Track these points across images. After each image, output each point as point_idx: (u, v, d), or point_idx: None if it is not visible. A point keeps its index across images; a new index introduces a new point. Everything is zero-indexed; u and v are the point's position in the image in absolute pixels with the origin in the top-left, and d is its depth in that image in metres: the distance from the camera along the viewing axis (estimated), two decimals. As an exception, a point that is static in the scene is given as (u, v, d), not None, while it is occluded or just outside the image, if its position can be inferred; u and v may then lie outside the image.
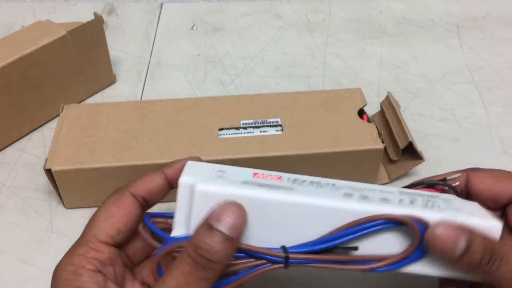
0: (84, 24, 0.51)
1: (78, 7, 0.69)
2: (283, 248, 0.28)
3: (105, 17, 0.58)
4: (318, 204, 0.29)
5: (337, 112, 0.46)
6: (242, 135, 0.44)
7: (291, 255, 0.28)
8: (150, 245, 0.30)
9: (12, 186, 0.47)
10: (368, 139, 0.44)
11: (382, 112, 0.48)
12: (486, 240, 0.28)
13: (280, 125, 0.45)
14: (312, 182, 0.31)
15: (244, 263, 0.28)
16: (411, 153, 0.45)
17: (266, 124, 0.45)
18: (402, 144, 0.44)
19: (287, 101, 0.47)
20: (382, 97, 0.48)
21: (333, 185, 0.31)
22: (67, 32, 0.50)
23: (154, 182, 0.32)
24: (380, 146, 0.43)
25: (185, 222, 0.29)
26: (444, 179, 0.33)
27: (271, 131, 0.45)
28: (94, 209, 0.44)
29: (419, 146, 0.44)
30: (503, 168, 0.33)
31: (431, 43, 0.64)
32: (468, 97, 0.56)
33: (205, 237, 0.26)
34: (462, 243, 0.27)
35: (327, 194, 0.30)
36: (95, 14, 0.52)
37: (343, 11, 0.70)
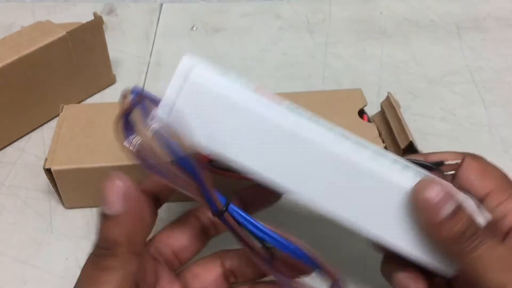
0: (83, 25, 0.51)
1: (78, 7, 0.69)
2: (226, 203, 0.28)
3: (104, 18, 0.57)
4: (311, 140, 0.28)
5: (337, 112, 0.46)
6: (242, 135, 0.44)
7: (226, 215, 0.27)
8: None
9: (11, 186, 0.47)
10: (369, 139, 0.43)
11: (382, 112, 0.48)
12: (473, 215, 0.27)
13: (280, 125, 0.45)
14: (310, 119, 0.30)
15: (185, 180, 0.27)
16: (411, 153, 0.44)
17: (266, 124, 0.45)
18: (402, 144, 0.44)
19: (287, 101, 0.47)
20: (383, 97, 0.48)
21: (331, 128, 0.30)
22: (67, 32, 0.49)
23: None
24: (381, 146, 0.43)
25: (171, 105, 0.28)
26: (442, 163, 0.31)
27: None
28: (93, 209, 0.44)
29: (420, 146, 0.44)
30: (503, 168, 0.33)
31: (432, 44, 0.64)
32: (468, 97, 0.56)
33: (99, 227, 0.25)
34: (450, 206, 0.26)
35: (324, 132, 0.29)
36: (94, 14, 0.52)
37: (343, 12, 0.70)
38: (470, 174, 0.30)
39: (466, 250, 0.26)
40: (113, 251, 0.24)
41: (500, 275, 0.26)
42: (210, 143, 0.28)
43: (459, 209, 0.26)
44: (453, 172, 0.31)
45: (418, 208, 0.27)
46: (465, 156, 0.31)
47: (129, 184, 0.26)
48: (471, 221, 0.27)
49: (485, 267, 0.26)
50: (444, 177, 0.32)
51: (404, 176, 0.28)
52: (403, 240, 0.29)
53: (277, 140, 0.28)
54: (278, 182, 0.29)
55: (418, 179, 0.28)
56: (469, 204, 0.28)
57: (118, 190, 0.25)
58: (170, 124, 0.27)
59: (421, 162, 0.31)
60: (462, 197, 0.28)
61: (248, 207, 0.31)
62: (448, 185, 0.28)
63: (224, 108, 0.28)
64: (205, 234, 0.32)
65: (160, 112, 0.28)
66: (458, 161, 0.31)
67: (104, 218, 0.25)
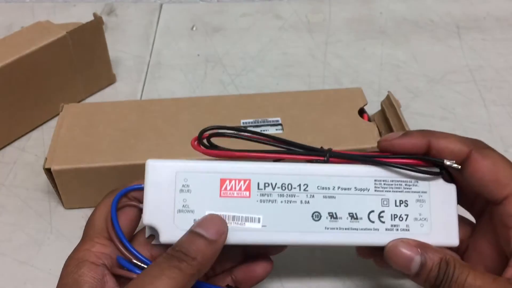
0: (83, 25, 0.51)
1: (78, 7, 0.69)
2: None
3: (104, 18, 0.57)
4: (282, 243, 0.32)
5: (338, 111, 0.46)
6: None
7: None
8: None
9: (11, 185, 0.47)
10: (369, 138, 0.43)
11: (382, 112, 0.48)
12: (443, 259, 0.29)
13: (280, 124, 0.45)
14: (283, 189, 0.31)
15: None
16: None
17: (266, 123, 0.45)
18: (402, 143, 0.44)
19: (287, 100, 0.47)
20: (383, 97, 0.48)
21: (305, 189, 0.31)
22: (67, 32, 0.50)
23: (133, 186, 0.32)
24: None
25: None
26: (442, 162, 0.31)
27: (271, 130, 0.45)
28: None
29: (420, 145, 0.44)
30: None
31: (432, 43, 0.64)
32: (468, 97, 0.56)
33: (185, 239, 0.28)
34: (416, 263, 0.29)
35: (293, 225, 0.31)
36: (94, 14, 0.52)
37: (343, 12, 0.70)
38: (483, 175, 0.30)
39: (447, 286, 0.29)
40: (191, 261, 0.27)
41: None
42: None
43: (425, 260, 0.29)
44: (458, 166, 0.31)
45: (394, 267, 0.31)
46: (471, 150, 0.30)
47: (227, 228, 0.30)
48: (440, 264, 0.29)
49: None
50: (448, 178, 0.32)
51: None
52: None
53: None
54: None
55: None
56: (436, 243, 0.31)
57: (223, 225, 0.29)
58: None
59: (419, 157, 0.32)
60: (429, 241, 0.31)
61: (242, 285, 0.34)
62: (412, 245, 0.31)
63: None
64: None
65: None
66: (458, 166, 0.31)
67: (198, 236, 0.28)
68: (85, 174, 0.41)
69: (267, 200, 0.31)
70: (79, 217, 0.44)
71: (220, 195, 0.31)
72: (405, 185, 0.32)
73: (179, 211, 0.30)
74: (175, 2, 0.71)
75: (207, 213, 0.30)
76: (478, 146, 0.31)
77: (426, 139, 0.31)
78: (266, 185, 0.31)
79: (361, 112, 0.46)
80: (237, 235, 0.30)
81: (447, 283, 0.29)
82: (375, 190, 0.32)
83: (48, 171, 0.41)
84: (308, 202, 0.31)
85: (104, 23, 0.53)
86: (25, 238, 0.43)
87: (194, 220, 0.30)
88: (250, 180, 0.31)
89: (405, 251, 0.30)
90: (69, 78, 0.52)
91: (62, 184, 0.42)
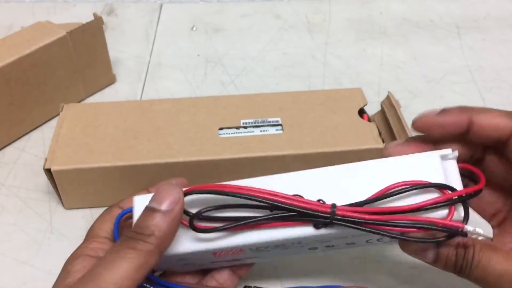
0: (83, 25, 0.51)
1: (78, 7, 0.69)
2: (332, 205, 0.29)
3: (104, 18, 0.57)
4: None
5: (338, 111, 0.46)
6: (242, 134, 0.44)
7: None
8: None
9: (11, 186, 0.47)
10: (369, 138, 0.43)
11: (382, 112, 0.48)
12: (460, 244, 0.28)
13: (280, 125, 0.45)
14: (276, 247, 0.31)
15: None
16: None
17: (266, 124, 0.45)
18: (402, 144, 0.44)
19: (287, 100, 0.47)
20: (383, 97, 0.48)
21: (299, 242, 0.30)
22: (67, 32, 0.49)
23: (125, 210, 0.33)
24: (381, 145, 0.43)
25: None
26: (465, 234, 0.28)
27: (271, 130, 0.45)
28: (93, 210, 0.44)
29: (420, 145, 0.44)
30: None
31: (432, 44, 0.64)
32: (468, 97, 0.56)
33: (139, 218, 0.28)
34: (430, 253, 0.29)
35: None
36: (94, 14, 0.52)
37: (343, 12, 0.70)
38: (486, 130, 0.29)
39: (466, 275, 0.28)
40: (147, 239, 0.27)
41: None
42: None
43: (437, 257, 0.29)
44: (490, 236, 0.29)
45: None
46: (470, 114, 0.29)
47: (182, 195, 0.28)
48: (456, 255, 0.28)
49: (490, 280, 0.27)
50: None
51: None
52: None
53: None
54: None
55: None
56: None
57: (175, 194, 0.28)
58: None
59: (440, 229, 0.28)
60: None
61: None
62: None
63: None
64: None
65: None
66: (489, 236, 0.29)
67: (152, 210, 0.28)
68: (85, 174, 0.41)
69: (261, 251, 0.31)
70: (79, 217, 0.44)
71: (215, 256, 0.31)
72: None
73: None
74: (175, 2, 0.71)
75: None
76: (471, 111, 0.29)
77: (466, 115, 0.29)
78: (260, 248, 0.31)
79: (361, 112, 0.46)
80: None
81: (468, 267, 0.27)
82: (377, 240, 0.31)
83: (48, 172, 0.41)
84: (303, 246, 0.31)
85: (104, 23, 0.53)
86: (25, 238, 0.43)
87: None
88: (242, 250, 0.31)
89: (414, 250, 0.29)
90: (69, 78, 0.52)
91: (62, 185, 0.42)
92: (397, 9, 0.70)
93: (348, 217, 0.28)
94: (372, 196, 0.28)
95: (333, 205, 0.28)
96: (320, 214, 0.28)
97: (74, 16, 0.67)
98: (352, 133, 0.44)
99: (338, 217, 0.28)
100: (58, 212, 0.45)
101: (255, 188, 0.28)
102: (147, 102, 0.48)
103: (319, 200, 0.29)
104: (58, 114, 0.46)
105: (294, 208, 0.28)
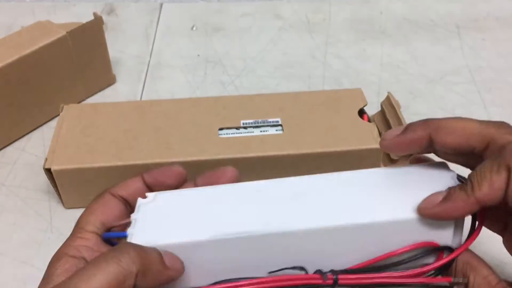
0: (83, 25, 0.51)
1: (78, 7, 0.69)
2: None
3: (104, 18, 0.57)
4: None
5: (338, 112, 0.46)
6: (242, 134, 0.44)
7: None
8: None
9: (11, 186, 0.47)
10: (369, 138, 0.43)
11: (382, 112, 0.48)
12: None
13: (280, 125, 0.45)
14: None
15: None
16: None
17: (266, 124, 0.45)
18: (402, 144, 0.44)
19: (287, 101, 0.47)
20: (383, 97, 0.48)
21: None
22: (67, 32, 0.50)
23: (133, 185, 0.33)
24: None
25: None
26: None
27: (271, 130, 0.45)
28: (93, 209, 0.44)
29: (420, 146, 0.44)
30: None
31: (432, 44, 0.64)
32: (468, 97, 0.56)
33: (144, 247, 0.27)
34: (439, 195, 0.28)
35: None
36: (94, 14, 0.52)
37: (343, 12, 0.70)
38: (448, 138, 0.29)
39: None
40: (132, 257, 0.26)
41: None
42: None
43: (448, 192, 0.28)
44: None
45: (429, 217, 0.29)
46: (509, 168, 0.27)
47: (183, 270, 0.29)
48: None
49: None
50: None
51: None
52: None
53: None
54: None
55: None
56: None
57: (180, 266, 0.29)
58: None
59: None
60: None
61: None
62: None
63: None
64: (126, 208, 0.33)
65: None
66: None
67: (155, 252, 0.28)
68: (85, 174, 0.42)
69: None
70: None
71: None
72: None
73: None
74: (175, 2, 0.71)
75: None
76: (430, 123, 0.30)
77: (425, 132, 0.30)
78: None
79: (361, 112, 0.46)
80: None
81: None
82: None
83: (48, 171, 0.41)
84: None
85: (104, 23, 0.53)
86: (25, 238, 0.43)
87: None
88: None
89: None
90: (69, 78, 0.52)
91: (62, 184, 0.42)
92: (397, 9, 0.70)
93: (350, 285, 0.29)
94: (375, 260, 0.29)
95: (335, 279, 0.28)
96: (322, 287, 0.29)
97: (74, 16, 0.67)
98: (352, 133, 0.44)
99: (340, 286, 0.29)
100: (58, 212, 0.45)
101: (264, 279, 0.28)
102: (147, 103, 0.48)
103: (317, 272, 0.29)
104: (58, 115, 0.46)
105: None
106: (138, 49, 0.63)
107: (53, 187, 0.43)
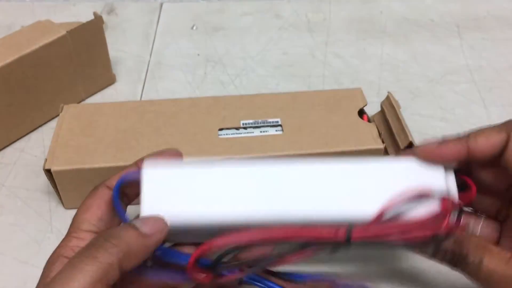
0: (83, 24, 0.51)
1: (78, 7, 0.69)
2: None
3: (105, 17, 0.57)
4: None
5: (337, 112, 0.46)
6: (242, 135, 0.44)
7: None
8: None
9: (11, 186, 0.47)
10: (369, 139, 0.43)
11: (382, 112, 0.48)
12: (456, 241, 0.29)
13: (280, 125, 0.45)
14: None
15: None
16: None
17: (266, 124, 0.45)
18: (402, 144, 0.44)
19: (287, 101, 0.47)
20: (382, 97, 0.48)
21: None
22: (67, 32, 0.49)
23: (128, 175, 0.32)
24: (381, 146, 0.43)
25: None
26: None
27: (271, 131, 0.45)
28: (93, 210, 0.44)
29: (420, 146, 0.44)
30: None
31: (432, 43, 0.64)
32: (468, 97, 0.56)
33: (117, 227, 0.28)
34: (429, 251, 0.30)
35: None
36: (94, 14, 0.52)
37: (344, 11, 0.69)
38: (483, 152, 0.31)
39: (462, 266, 0.30)
40: (110, 248, 0.26)
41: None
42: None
43: (435, 251, 0.30)
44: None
45: None
46: (509, 134, 0.30)
47: (166, 229, 0.29)
48: (454, 249, 0.30)
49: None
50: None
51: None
52: None
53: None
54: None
55: None
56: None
57: (161, 225, 0.29)
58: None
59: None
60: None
61: None
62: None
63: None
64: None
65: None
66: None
67: (130, 226, 0.28)
68: (85, 174, 0.42)
69: None
70: (79, 218, 0.44)
71: None
72: None
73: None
74: (175, 2, 0.71)
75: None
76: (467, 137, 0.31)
77: (464, 145, 0.31)
78: None
79: (361, 112, 0.46)
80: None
81: (463, 263, 0.29)
82: None
83: (48, 172, 0.41)
84: None
85: (104, 22, 0.53)
86: (25, 238, 0.43)
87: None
88: None
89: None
90: (69, 78, 0.52)
91: (62, 185, 0.42)
92: (398, 8, 0.70)
93: (364, 239, 0.28)
94: (381, 210, 0.29)
95: (349, 231, 0.28)
96: (335, 241, 0.28)
97: (74, 16, 0.67)
98: (352, 133, 0.44)
99: (354, 241, 0.28)
100: (58, 212, 0.45)
101: (272, 229, 0.28)
102: (147, 102, 0.48)
103: (332, 225, 0.28)
104: (58, 115, 0.46)
105: (309, 242, 0.28)
106: (138, 49, 0.63)
107: (53, 188, 0.43)
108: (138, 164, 0.32)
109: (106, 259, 0.25)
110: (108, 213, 0.31)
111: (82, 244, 0.29)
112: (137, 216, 0.30)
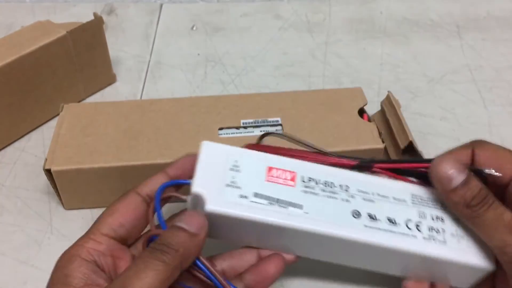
0: (84, 24, 0.51)
1: (78, 7, 0.69)
2: None
3: (104, 18, 0.57)
4: (322, 233, 0.31)
5: (338, 111, 0.46)
6: (242, 134, 0.44)
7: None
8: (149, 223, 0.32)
9: (11, 186, 0.47)
10: (369, 138, 0.43)
11: (382, 112, 0.48)
12: (481, 185, 0.31)
13: (280, 124, 0.45)
14: (325, 185, 0.33)
15: None
16: (411, 153, 0.44)
17: (266, 124, 0.45)
18: (402, 144, 0.44)
19: (287, 100, 0.47)
20: (383, 97, 0.48)
21: (346, 190, 0.33)
22: (67, 32, 0.49)
23: (158, 182, 0.33)
24: (381, 145, 0.43)
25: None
26: (482, 171, 0.32)
27: (271, 130, 0.45)
28: (93, 210, 0.44)
29: (420, 145, 0.44)
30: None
31: (432, 43, 0.64)
32: (468, 97, 0.56)
33: (167, 233, 0.29)
34: (460, 177, 0.31)
35: (334, 217, 0.32)
36: (94, 14, 0.52)
37: (343, 11, 0.70)
38: (485, 163, 0.32)
39: (477, 213, 0.30)
40: (173, 254, 0.28)
41: (504, 236, 0.30)
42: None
43: (468, 179, 0.31)
44: (499, 174, 0.32)
45: (435, 180, 0.32)
46: (472, 146, 0.33)
47: (207, 222, 0.30)
48: (481, 190, 0.31)
49: (492, 228, 0.30)
50: None
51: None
52: None
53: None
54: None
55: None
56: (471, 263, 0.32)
57: (202, 220, 0.30)
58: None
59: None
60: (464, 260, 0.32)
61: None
62: (461, 160, 0.32)
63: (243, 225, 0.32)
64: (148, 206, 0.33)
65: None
66: (498, 174, 0.32)
67: (179, 229, 0.29)
68: (85, 174, 0.41)
69: (310, 192, 0.32)
70: (79, 218, 0.44)
71: (266, 179, 0.32)
72: (441, 205, 0.33)
73: (227, 185, 0.31)
74: (175, 2, 0.71)
75: (252, 192, 0.31)
76: (476, 142, 0.33)
77: (469, 150, 0.33)
78: (310, 179, 0.33)
79: (361, 112, 0.46)
80: (281, 218, 0.31)
81: (485, 206, 0.30)
82: (412, 203, 0.33)
83: (48, 172, 0.41)
84: (348, 200, 0.32)
85: (104, 22, 0.53)
86: (25, 238, 0.43)
87: (240, 195, 0.31)
88: (295, 173, 0.33)
89: (452, 165, 0.31)
90: (69, 78, 0.52)
91: (62, 185, 0.42)
92: (397, 8, 0.70)
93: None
94: None
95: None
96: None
97: (74, 16, 0.67)
98: (352, 133, 0.44)
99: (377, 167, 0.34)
100: (58, 212, 0.45)
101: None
102: (147, 102, 0.48)
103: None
104: (58, 114, 0.46)
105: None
106: (138, 49, 0.63)
107: (53, 188, 0.43)
108: (168, 173, 0.33)
109: (172, 262, 0.27)
110: (132, 220, 0.32)
111: (98, 248, 0.30)
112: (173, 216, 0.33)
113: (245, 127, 0.45)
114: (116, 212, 0.31)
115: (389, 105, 0.47)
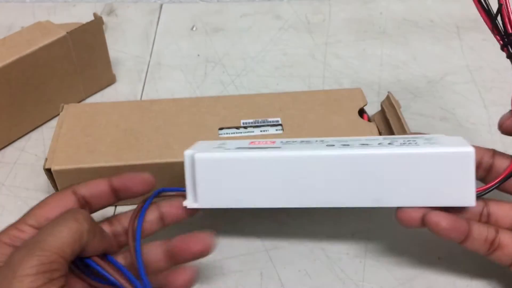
0: (83, 25, 0.51)
1: (78, 7, 0.69)
2: None
3: (104, 18, 0.57)
4: (300, 155, 0.33)
5: (338, 111, 0.46)
6: (243, 134, 0.44)
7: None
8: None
9: (11, 186, 0.47)
10: (369, 138, 0.43)
11: (382, 112, 0.48)
12: (485, 231, 0.33)
13: (281, 125, 0.45)
14: (302, 142, 0.36)
15: None
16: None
17: (266, 124, 0.45)
18: (402, 144, 0.44)
19: (287, 100, 0.47)
20: (383, 97, 0.48)
21: (321, 141, 0.36)
22: (67, 32, 0.50)
23: (98, 187, 0.33)
24: (381, 145, 0.43)
25: (192, 190, 0.34)
26: None
27: (272, 130, 0.45)
28: (93, 209, 0.44)
29: (420, 145, 0.44)
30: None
31: (432, 44, 0.64)
32: (468, 97, 0.56)
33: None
34: (460, 235, 0.33)
35: (310, 147, 0.34)
36: (94, 14, 0.52)
37: (343, 12, 0.70)
38: (499, 210, 0.35)
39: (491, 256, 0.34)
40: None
41: None
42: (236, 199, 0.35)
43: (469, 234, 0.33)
44: None
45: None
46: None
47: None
48: (487, 237, 0.33)
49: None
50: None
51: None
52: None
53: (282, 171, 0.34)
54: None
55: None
56: (452, 151, 0.33)
57: None
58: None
59: None
60: (444, 150, 0.33)
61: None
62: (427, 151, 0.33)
63: (233, 167, 0.34)
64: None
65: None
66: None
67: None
68: (85, 174, 0.41)
69: (288, 143, 0.36)
70: (79, 217, 0.44)
71: (249, 143, 0.37)
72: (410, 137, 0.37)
73: (214, 148, 0.35)
74: (175, 2, 0.71)
75: (236, 147, 0.35)
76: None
77: None
78: (288, 142, 0.37)
79: (361, 112, 0.46)
80: (261, 151, 0.34)
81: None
82: (383, 139, 0.36)
83: (48, 172, 0.41)
84: (323, 141, 0.36)
85: (104, 23, 0.53)
86: (25, 238, 0.43)
87: (226, 149, 0.35)
88: (276, 140, 0.37)
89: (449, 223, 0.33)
90: (69, 78, 0.52)
91: (63, 185, 0.42)
92: (397, 9, 0.70)
93: None
94: None
95: None
96: None
97: (74, 16, 0.67)
98: (352, 133, 0.44)
99: None
100: (58, 212, 0.44)
101: None
102: (147, 102, 0.48)
103: None
104: (58, 114, 0.46)
105: None
106: (138, 49, 0.63)
107: (53, 187, 0.43)
108: (112, 181, 0.34)
109: (83, 222, 0.29)
110: (58, 216, 0.31)
111: (21, 235, 0.30)
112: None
113: (245, 127, 0.45)
114: (46, 206, 0.32)
115: (389, 106, 0.47)
